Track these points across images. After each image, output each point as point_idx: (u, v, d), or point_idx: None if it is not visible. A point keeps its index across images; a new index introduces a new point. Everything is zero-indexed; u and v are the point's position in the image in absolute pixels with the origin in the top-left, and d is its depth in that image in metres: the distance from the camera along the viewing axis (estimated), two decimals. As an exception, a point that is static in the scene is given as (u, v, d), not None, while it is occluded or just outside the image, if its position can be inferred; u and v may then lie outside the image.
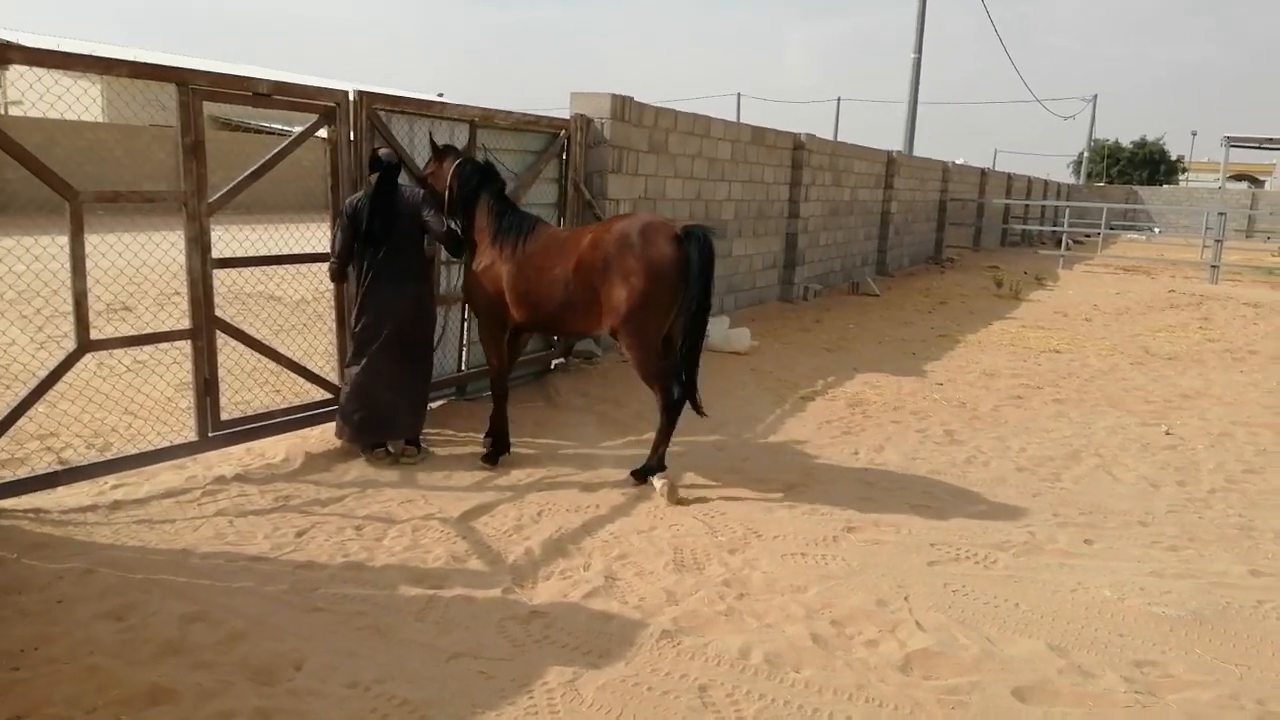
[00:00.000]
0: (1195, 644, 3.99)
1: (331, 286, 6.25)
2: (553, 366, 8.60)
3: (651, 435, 5.85)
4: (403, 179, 5.94)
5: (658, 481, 5.52)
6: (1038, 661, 3.77)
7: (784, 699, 3.42)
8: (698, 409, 5.65)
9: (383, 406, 5.77)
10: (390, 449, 5.91)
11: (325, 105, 6.02)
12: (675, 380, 5.49)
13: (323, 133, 6.17)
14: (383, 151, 5.89)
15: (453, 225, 5.92)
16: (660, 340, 5.52)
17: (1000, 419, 7.72)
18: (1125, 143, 70.65)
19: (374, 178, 5.74)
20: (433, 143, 6.14)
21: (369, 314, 5.73)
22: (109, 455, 5.41)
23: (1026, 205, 32.78)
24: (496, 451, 6.00)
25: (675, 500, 5.40)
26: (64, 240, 4.87)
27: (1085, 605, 4.29)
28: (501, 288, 5.75)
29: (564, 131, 8.50)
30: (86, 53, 5.01)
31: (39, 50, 4.76)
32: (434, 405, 7.39)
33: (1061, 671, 3.70)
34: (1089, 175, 59.80)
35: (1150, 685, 3.64)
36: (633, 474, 5.68)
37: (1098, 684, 3.64)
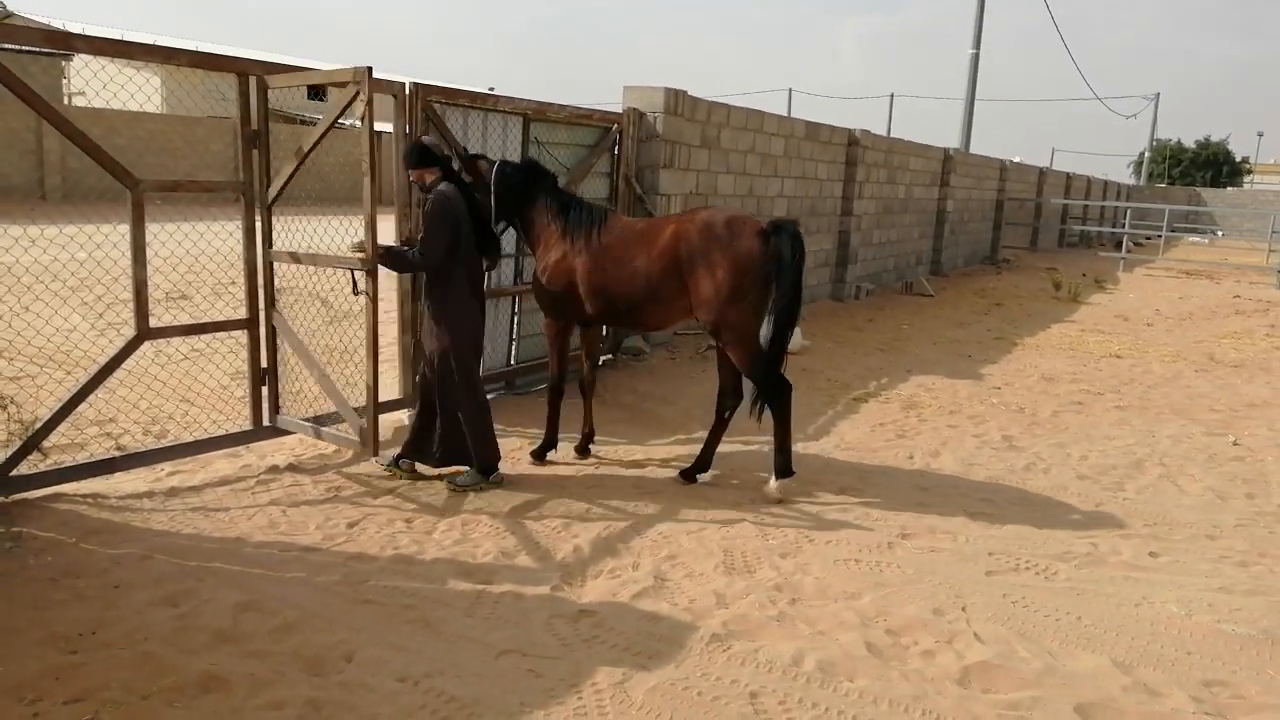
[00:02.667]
0: (1267, 664, 3.83)
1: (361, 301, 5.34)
2: (600, 363, 8.56)
3: (701, 434, 5.78)
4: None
5: (774, 484, 5.42)
6: (1101, 678, 3.65)
7: (838, 709, 3.34)
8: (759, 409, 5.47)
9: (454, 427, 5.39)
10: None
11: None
12: (774, 376, 5.34)
13: (383, 125, 6.17)
14: (427, 139, 5.49)
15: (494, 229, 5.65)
16: (758, 336, 5.39)
17: (1060, 425, 7.53)
18: (1188, 143, 68.96)
19: (433, 174, 5.25)
20: (459, 154, 5.78)
21: (461, 324, 5.25)
22: (165, 442, 5.49)
23: (1085, 206, 32.05)
24: (545, 448, 5.95)
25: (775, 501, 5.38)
26: (123, 228, 4.94)
27: (1151, 621, 4.14)
28: (574, 281, 5.57)
29: (616, 125, 8.45)
30: (149, 42, 5.06)
31: (102, 39, 4.81)
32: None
33: (1126, 689, 3.57)
34: (1150, 176, 58.40)
35: (1220, 707, 3.50)
36: (777, 474, 5.43)
37: (1164, 703, 3.50)
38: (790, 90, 67.90)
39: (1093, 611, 4.20)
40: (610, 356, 8.68)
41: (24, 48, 4.75)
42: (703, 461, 5.73)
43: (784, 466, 5.42)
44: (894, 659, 3.71)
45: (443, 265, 5.20)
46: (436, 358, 5.29)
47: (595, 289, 5.54)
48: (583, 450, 6.09)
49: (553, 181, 5.83)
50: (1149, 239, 33.84)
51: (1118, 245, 26.69)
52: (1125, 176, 65.79)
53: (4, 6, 31.53)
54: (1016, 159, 25.38)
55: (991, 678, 3.61)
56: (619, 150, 8.53)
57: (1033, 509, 5.51)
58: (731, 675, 3.52)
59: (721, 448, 5.87)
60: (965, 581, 4.44)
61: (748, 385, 5.49)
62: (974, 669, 3.65)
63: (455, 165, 5.49)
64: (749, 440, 6.49)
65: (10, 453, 4.72)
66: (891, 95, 68.79)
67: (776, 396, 5.35)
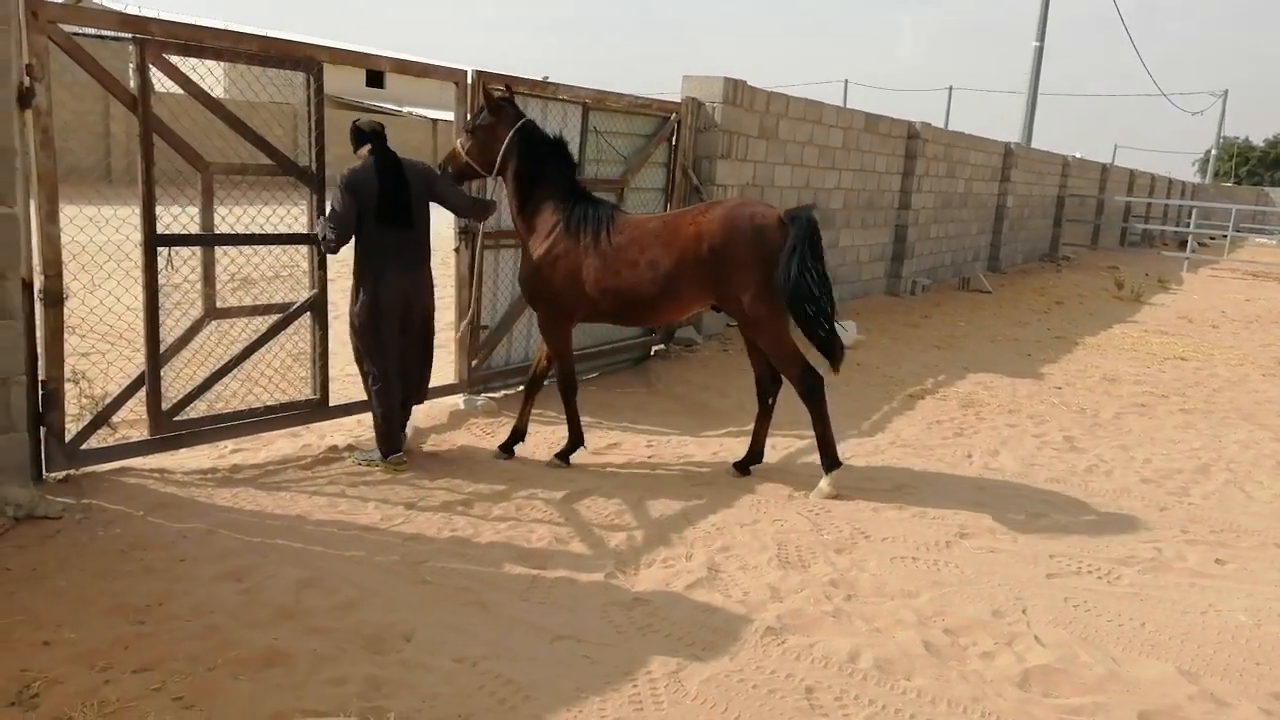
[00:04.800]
0: (1341, 679, 3.71)
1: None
2: (653, 353, 8.56)
3: (752, 426, 5.73)
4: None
5: (825, 481, 5.35)
6: (1166, 685, 3.56)
7: (895, 707, 3.31)
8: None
9: (402, 406, 5.48)
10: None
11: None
12: (806, 368, 5.26)
13: (430, 113, 6.21)
14: (363, 120, 5.48)
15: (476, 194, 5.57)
16: (789, 328, 5.32)
17: (1123, 427, 7.36)
18: (1257, 141, 67.03)
19: (364, 150, 5.29)
20: (489, 95, 5.51)
21: (382, 302, 5.22)
22: (227, 422, 5.58)
23: (1149, 204, 31.25)
24: (571, 449, 5.70)
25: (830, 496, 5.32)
26: (191, 210, 5.07)
27: (1218, 629, 4.04)
28: (579, 280, 5.33)
29: (674, 115, 8.42)
30: (220, 27, 5.16)
31: (177, 23, 4.93)
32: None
33: (1192, 698, 3.49)
34: (1216, 175, 56.82)
35: (1291, 720, 3.41)
36: (825, 470, 5.37)
37: (1232, 714, 3.42)
38: (846, 81, 67.22)
39: (1157, 618, 4.10)
40: (663, 347, 8.67)
41: (101, 32, 4.87)
42: (754, 453, 5.70)
43: (830, 462, 5.37)
44: (952, 659, 3.66)
45: (357, 238, 5.25)
46: None
47: (606, 290, 5.32)
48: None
49: (571, 169, 5.56)
50: (1214, 239, 32.91)
51: (1181, 245, 26.00)
52: (1190, 175, 64.13)
53: None
54: (1078, 154, 24.80)
55: (1052, 681, 3.54)
56: (677, 140, 8.50)
57: (1095, 512, 5.39)
58: (787, 669, 3.50)
59: (775, 441, 5.83)
60: (1025, 583, 4.37)
61: None
62: (1034, 672, 3.59)
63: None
64: (803, 434, 6.43)
65: (81, 426, 4.86)
66: (950, 88, 67.83)
67: (810, 390, 5.28)
